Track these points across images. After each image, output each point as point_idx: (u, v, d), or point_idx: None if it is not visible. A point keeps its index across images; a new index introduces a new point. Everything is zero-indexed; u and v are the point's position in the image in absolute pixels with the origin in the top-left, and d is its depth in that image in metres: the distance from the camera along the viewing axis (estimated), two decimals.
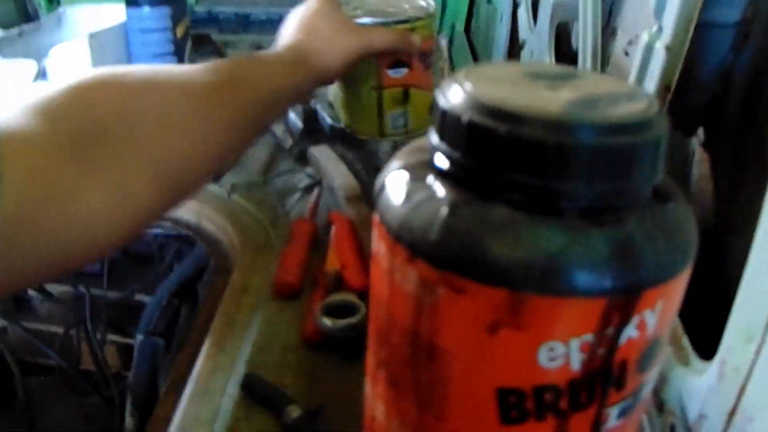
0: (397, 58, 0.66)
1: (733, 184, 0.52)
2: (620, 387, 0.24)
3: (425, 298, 0.23)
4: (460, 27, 2.04)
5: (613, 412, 0.25)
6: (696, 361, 0.41)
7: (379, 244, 0.25)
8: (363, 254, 0.63)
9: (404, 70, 0.68)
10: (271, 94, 0.49)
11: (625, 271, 0.21)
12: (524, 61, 0.84)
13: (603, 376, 0.23)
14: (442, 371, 0.24)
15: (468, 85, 0.23)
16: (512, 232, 0.21)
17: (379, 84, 0.68)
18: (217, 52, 0.97)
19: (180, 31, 0.79)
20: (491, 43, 1.57)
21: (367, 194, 0.75)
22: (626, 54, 0.58)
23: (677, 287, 0.23)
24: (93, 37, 0.75)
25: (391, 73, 0.68)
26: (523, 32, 0.92)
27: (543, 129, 0.21)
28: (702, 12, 0.53)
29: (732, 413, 0.35)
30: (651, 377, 0.26)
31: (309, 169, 0.85)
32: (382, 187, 0.25)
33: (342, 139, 0.91)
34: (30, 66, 0.74)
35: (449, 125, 0.23)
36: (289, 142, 0.92)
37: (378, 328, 0.26)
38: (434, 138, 0.24)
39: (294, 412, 0.47)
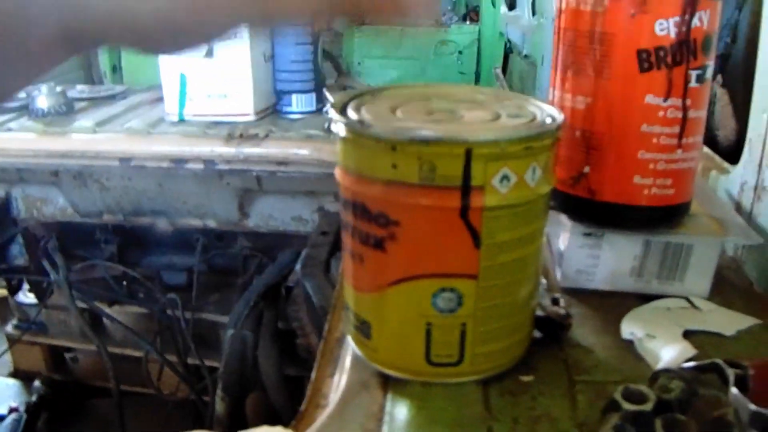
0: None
1: (745, 105, 0.83)
2: (695, 57, 0.55)
3: (597, 8, 0.54)
4: None
5: (693, 75, 0.55)
6: (730, 167, 0.72)
7: None
8: None
9: None
10: None
11: None
12: None
13: (686, 44, 0.54)
14: (607, 47, 0.55)
15: None
16: None
17: None
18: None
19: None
20: (528, 91, 1.95)
21: None
22: None
23: (715, 8, 0.54)
24: None
25: None
26: None
27: None
28: None
29: (756, 187, 0.66)
30: (709, 67, 0.56)
31: None
32: None
33: None
34: None
35: None
36: None
37: (568, 45, 0.57)
38: None
39: None
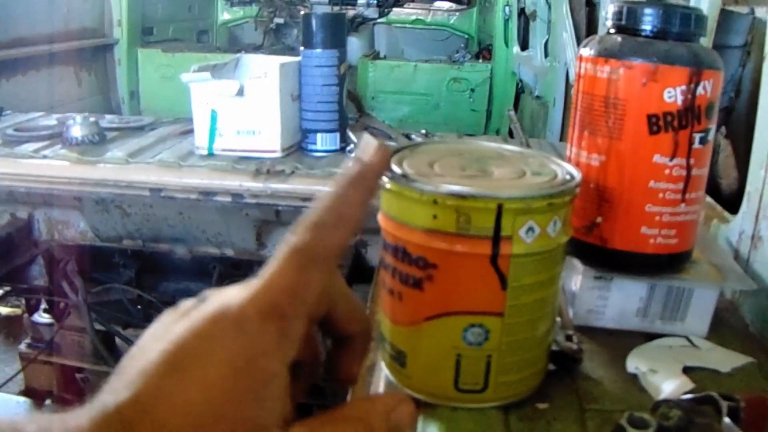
0: None
1: (746, 156, 0.91)
2: (699, 122, 0.62)
3: (612, 76, 0.62)
4: (504, 130, 2.54)
5: (696, 137, 0.62)
6: (730, 216, 0.80)
7: (585, 66, 0.64)
8: None
9: None
10: None
11: (697, 59, 0.60)
12: None
13: (691, 110, 0.61)
14: (620, 111, 0.62)
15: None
16: (653, 46, 0.61)
17: None
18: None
19: (342, 69, 1.23)
20: (539, 131, 2.04)
21: None
22: None
23: (718, 78, 0.62)
24: (282, 66, 1.18)
25: None
26: None
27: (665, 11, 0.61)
28: (718, 38, 0.97)
29: (753, 237, 0.73)
30: (712, 130, 0.64)
31: None
32: (588, 43, 0.65)
33: None
34: (234, 85, 1.17)
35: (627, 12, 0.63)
36: None
37: (585, 108, 0.65)
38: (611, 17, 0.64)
39: None
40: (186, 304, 0.33)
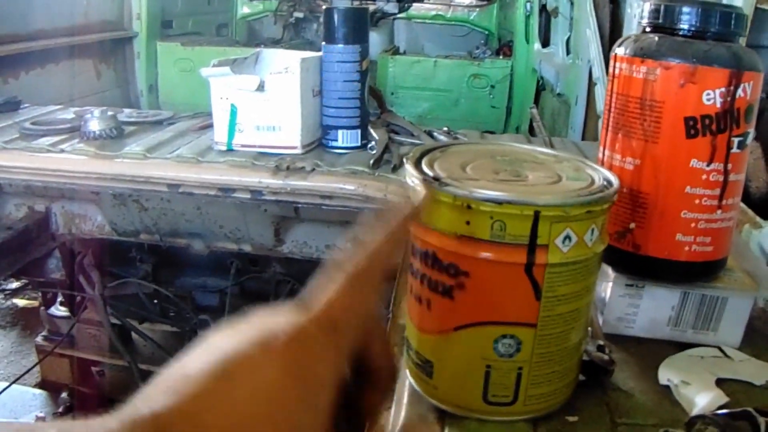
0: None
1: None
2: (738, 125, 0.60)
3: (649, 76, 0.60)
4: (524, 127, 2.52)
5: (735, 141, 0.60)
6: (763, 221, 0.77)
7: (620, 66, 0.62)
8: None
9: None
10: None
11: (737, 60, 0.58)
12: None
13: (730, 113, 0.59)
14: (657, 113, 0.60)
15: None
16: (692, 46, 0.58)
17: None
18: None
19: (364, 65, 1.22)
20: (560, 129, 2.01)
21: None
22: None
23: (758, 80, 0.60)
24: (303, 60, 1.16)
25: None
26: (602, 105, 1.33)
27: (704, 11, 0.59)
28: (750, 37, 0.94)
29: None
30: (750, 134, 0.62)
31: None
32: (623, 42, 0.63)
33: None
34: (254, 80, 1.15)
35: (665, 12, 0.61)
36: None
37: (619, 109, 0.63)
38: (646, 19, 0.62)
39: None
40: (232, 323, 0.33)
